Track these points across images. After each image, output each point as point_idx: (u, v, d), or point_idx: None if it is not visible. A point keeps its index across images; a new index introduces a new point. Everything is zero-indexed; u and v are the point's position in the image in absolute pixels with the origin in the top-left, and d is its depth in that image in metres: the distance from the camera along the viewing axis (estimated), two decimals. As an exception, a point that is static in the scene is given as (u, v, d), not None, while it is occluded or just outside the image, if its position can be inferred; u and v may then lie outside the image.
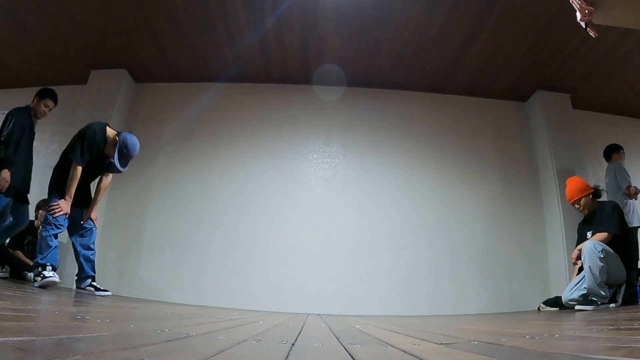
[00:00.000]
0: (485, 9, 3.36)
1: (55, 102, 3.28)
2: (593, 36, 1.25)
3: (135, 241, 4.04)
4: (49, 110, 3.26)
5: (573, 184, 3.11)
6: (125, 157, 2.90)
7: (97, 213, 3.14)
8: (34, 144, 3.26)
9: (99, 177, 3.16)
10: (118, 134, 2.94)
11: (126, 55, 4.16)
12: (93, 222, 3.07)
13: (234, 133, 4.39)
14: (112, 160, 2.91)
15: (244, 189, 4.16)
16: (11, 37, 3.90)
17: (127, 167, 2.99)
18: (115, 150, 2.86)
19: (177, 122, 4.43)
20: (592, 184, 3.14)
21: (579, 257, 2.78)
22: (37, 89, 3.28)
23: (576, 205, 3.07)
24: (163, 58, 4.20)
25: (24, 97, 4.44)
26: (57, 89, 4.61)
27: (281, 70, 4.36)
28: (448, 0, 3.30)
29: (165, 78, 4.54)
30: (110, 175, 3.16)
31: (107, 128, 2.96)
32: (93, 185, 3.21)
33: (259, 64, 4.26)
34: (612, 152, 3.91)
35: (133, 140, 2.93)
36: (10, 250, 3.54)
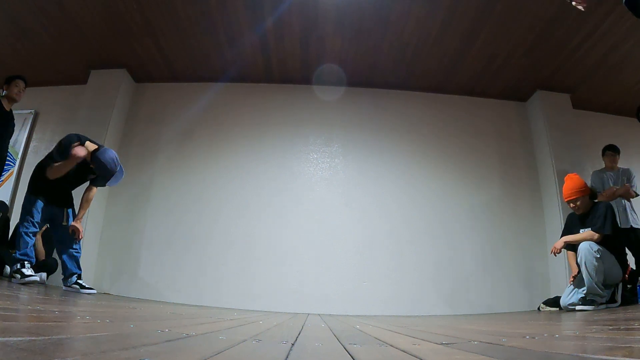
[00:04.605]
0: (485, 9, 3.37)
1: (24, 80, 3.20)
2: (582, 9, 1.21)
3: (135, 241, 4.04)
4: (21, 90, 3.18)
5: (572, 182, 2.99)
6: (105, 177, 2.85)
7: (82, 226, 3.10)
8: (29, 142, 3.20)
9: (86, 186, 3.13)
10: (94, 151, 2.81)
11: (126, 55, 4.16)
12: (77, 233, 3.01)
13: (233, 133, 4.39)
14: (92, 176, 2.94)
15: (243, 189, 4.16)
16: (11, 37, 3.90)
17: (117, 182, 2.94)
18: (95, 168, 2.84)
19: (177, 122, 4.43)
20: (589, 184, 3.06)
21: (570, 250, 2.75)
22: (37, 89, 3.24)
23: (572, 204, 2.98)
24: (163, 58, 4.20)
25: (23, 97, 4.46)
26: (57, 89, 4.69)
27: (281, 70, 4.36)
28: (448, 0, 3.30)
29: (165, 78, 4.54)
30: (95, 188, 3.12)
31: (87, 142, 2.85)
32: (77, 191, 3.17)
33: (259, 64, 4.26)
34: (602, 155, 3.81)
35: (106, 158, 2.79)
36: (11, 251, 3.53)
